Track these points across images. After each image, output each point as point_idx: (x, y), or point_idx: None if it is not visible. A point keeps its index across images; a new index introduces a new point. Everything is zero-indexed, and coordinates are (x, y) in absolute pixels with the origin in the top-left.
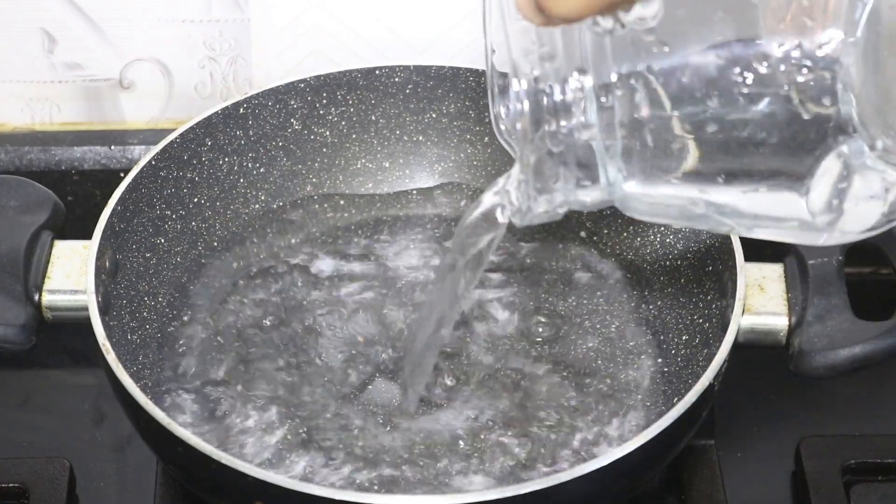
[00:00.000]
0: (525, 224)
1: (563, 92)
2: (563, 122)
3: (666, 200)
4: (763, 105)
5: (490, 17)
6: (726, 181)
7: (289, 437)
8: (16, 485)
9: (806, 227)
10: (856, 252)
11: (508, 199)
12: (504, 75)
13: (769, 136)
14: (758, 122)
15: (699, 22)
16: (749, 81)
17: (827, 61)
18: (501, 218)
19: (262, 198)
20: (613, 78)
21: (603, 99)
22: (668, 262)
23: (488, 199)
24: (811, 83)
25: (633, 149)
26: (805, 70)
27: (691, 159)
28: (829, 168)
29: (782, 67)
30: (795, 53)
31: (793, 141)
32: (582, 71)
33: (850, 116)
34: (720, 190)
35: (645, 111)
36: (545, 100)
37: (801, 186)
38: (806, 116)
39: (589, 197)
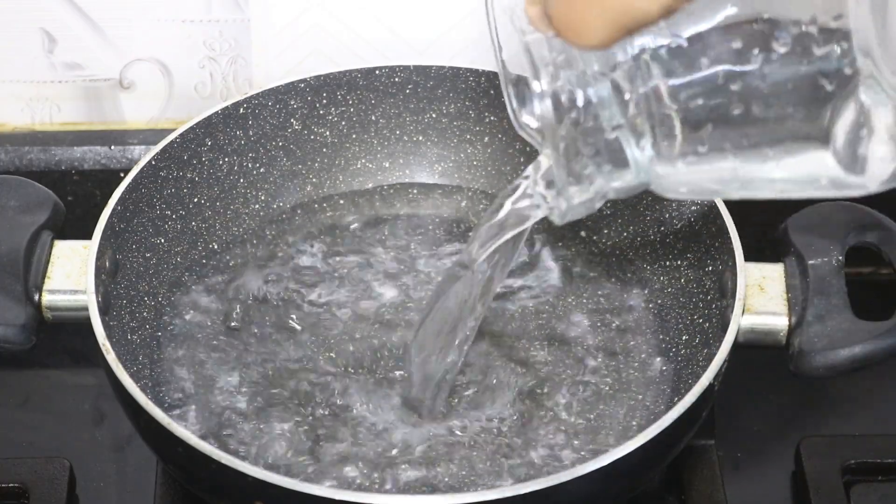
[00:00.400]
0: (565, 221)
1: (586, 96)
2: (588, 124)
3: (700, 176)
4: (781, 76)
5: (495, 21)
6: (755, 151)
7: (290, 437)
8: (16, 485)
9: (837, 182)
10: (856, 252)
11: (542, 199)
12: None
13: (790, 102)
14: (777, 91)
15: (711, 8)
16: (764, 58)
17: (840, 27)
18: (538, 216)
19: (262, 198)
20: (634, 70)
21: (626, 95)
22: (668, 262)
23: (509, 205)
24: (826, 50)
25: (660, 135)
26: (820, 39)
27: (719, 135)
28: (850, 118)
29: (797, 42)
30: (811, 28)
31: (813, 100)
32: (602, 73)
33: (865, 67)
34: (750, 160)
35: (668, 100)
36: (566, 101)
37: (826, 141)
38: (824, 80)
39: (622, 182)
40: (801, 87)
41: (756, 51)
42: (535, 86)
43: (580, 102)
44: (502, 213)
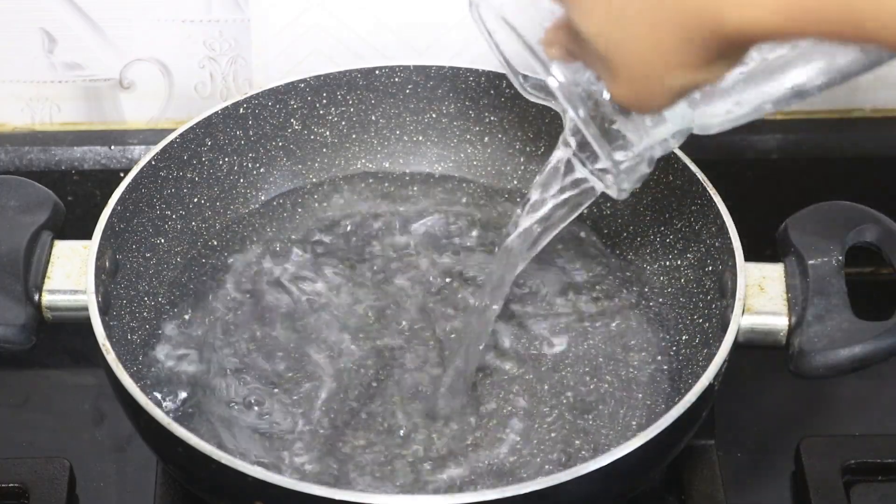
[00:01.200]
0: (629, 190)
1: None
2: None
3: (737, 108)
4: None
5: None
6: (781, 72)
7: (291, 437)
8: (16, 485)
9: (864, 62)
10: (856, 252)
11: (595, 177)
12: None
13: None
14: None
15: None
16: None
17: None
18: (596, 191)
19: (262, 198)
20: None
21: None
22: (668, 262)
23: (534, 199)
24: None
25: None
26: None
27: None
28: None
29: None
30: None
31: None
32: None
33: None
34: (784, 76)
35: None
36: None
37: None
38: None
39: (665, 132)
40: None
41: None
42: (552, 81)
43: (606, 96)
44: (543, 211)
